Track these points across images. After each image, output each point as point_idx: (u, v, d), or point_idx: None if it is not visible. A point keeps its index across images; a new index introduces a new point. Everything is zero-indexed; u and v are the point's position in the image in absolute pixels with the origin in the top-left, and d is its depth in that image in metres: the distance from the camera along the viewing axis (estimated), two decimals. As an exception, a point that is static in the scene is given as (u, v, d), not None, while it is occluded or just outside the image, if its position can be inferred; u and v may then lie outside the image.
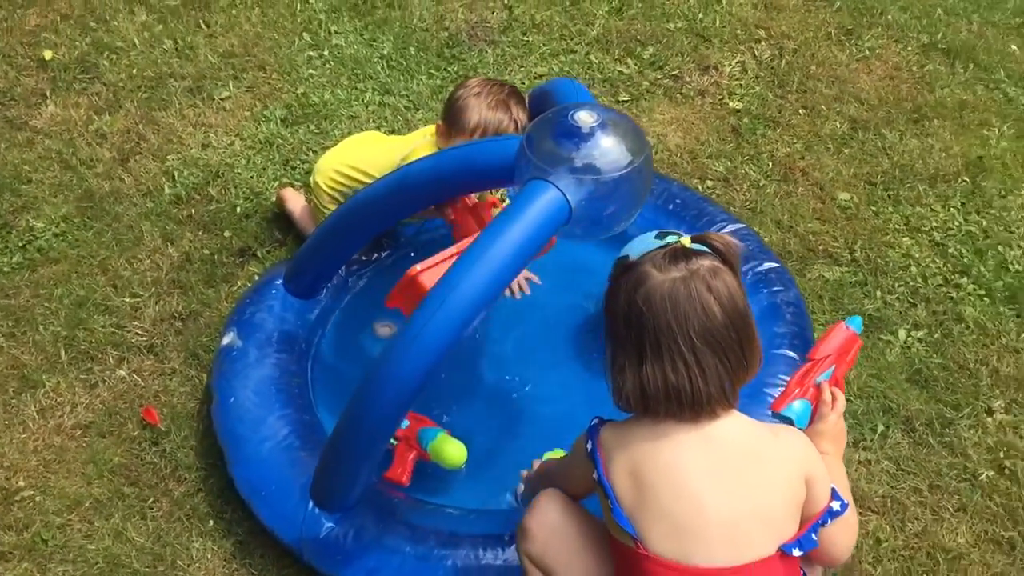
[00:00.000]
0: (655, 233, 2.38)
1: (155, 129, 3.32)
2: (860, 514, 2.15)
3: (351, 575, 2.09)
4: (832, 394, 1.94)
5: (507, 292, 2.63)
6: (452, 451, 2.18)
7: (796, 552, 1.64)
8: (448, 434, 2.25)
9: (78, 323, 2.73)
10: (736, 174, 3.08)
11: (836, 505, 1.70)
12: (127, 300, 2.78)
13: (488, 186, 2.20)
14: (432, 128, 2.61)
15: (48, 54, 3.58)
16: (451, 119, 2.47)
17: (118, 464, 2.42)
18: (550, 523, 1.81)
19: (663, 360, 1.59)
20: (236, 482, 2.25)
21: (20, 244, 2.96)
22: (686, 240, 1.67)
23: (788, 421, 1.89)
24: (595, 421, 1.73)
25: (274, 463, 2.23)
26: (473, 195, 2.42)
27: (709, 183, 3.04)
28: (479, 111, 2.41)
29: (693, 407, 1.61)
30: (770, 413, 1.95)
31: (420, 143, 2.57)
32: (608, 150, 1.88)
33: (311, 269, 2.54)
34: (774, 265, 2.61)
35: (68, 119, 3.36)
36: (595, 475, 1.67)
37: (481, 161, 2.12)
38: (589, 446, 1.69)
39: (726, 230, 2.63)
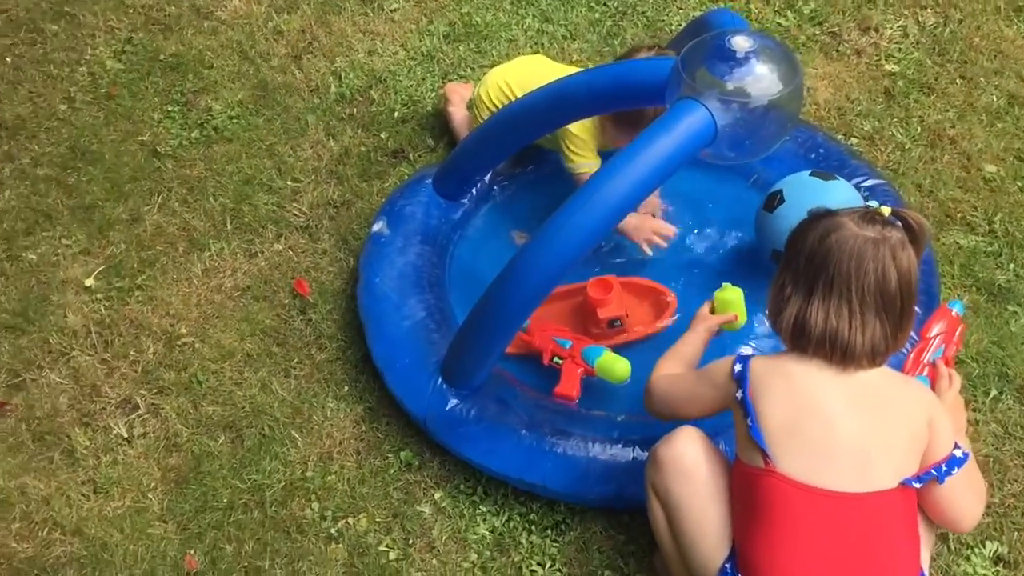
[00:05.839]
0: (810, 172, 2.46)
1: (327, 32, 3.52)
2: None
3: (467, 450, 2.27)
4: (949, 374, 2.03)
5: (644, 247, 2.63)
6: (620, 367, 2.28)
7: (915, 485, 1.72)
8: (611, 351, 2.35)
9: (244, 198, 2.98)
10: (883, 135, 3.08)
11: (959, 453, 1.77)
12: (288, 183, 3.02)
13: (639, 103, 2.26)
14: None
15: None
16: (628, 119, 2.46)
17: (269, 326, 2.66)
18: (682, 462, 1.85)
19: (830, 301, 1.71)
20: (373, 355, 2.46)
21: (199, 122, 3.22)
22: (885, 209, 1.78)
23: None
24: (743, 352, 1.83)
25: (409, 340, 2.41)
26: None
27: (854, 140, 3.06)
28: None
29: (844, 355, 1.72)
30: None
31: None
32: (761, 76, 1.92)
33: (460, 172, 2.70)
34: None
35: (249, 13, 3.60)
36: (739, 395, 1.77)
37: (635, 79, 2.18)
38: (738, 367, 1.80)
39: (866, 184, 2.67)
